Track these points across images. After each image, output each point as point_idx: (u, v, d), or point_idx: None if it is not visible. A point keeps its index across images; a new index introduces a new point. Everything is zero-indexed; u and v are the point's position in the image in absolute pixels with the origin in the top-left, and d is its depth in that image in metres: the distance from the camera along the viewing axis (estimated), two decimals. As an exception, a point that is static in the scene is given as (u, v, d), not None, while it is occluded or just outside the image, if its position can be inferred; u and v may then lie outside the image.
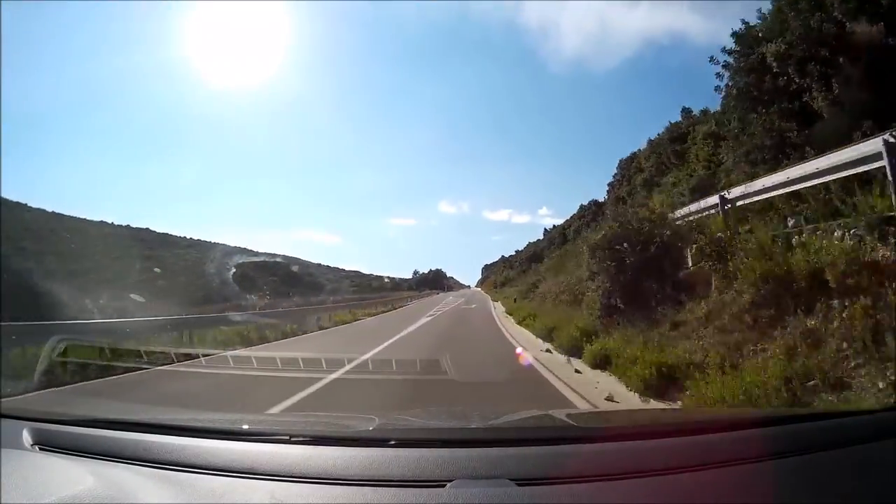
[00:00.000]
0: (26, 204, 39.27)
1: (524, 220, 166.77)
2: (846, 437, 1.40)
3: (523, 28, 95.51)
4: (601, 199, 39.06)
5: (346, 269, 75.35)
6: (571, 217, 44.45)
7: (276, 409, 4.60)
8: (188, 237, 54.63)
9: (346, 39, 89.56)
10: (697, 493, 1.12)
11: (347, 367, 6.41)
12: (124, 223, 50.38)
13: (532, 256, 51.80)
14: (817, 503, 1.13)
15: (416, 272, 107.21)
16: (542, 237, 60.02)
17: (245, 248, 53.11)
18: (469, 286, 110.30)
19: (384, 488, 1.11)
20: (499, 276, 73.18)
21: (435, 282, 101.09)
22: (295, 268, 50.71)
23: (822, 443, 1.35)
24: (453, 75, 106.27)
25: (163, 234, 51.59)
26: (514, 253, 77.70)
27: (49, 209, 42.47)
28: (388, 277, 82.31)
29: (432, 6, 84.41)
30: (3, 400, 4.69)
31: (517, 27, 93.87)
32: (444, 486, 1.10)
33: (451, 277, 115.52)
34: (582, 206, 43.14)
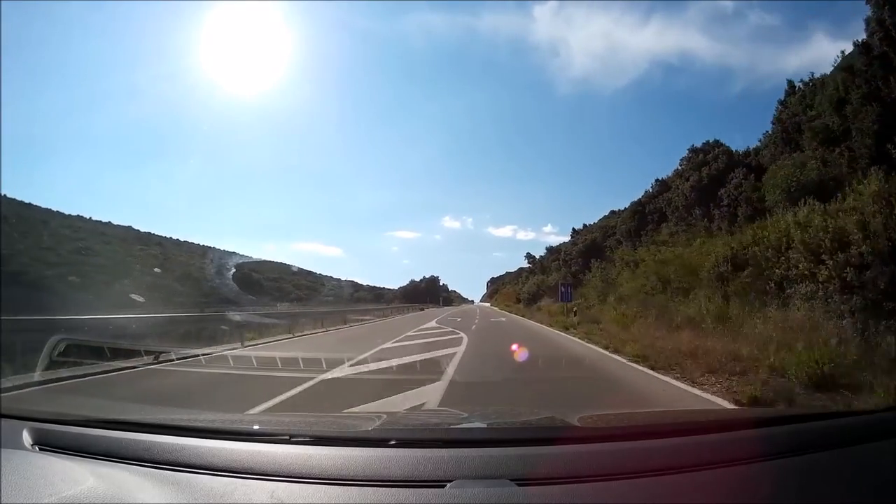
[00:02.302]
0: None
1: (528, 237, 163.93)
2: (846, 437, 1.41)
3: (532, 46, 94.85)
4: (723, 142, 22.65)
5: (342, 278, 70.45)
6: (670, 177, 26.36)
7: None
8: (172, 237, 53.80)
9: (351, 54, 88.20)
10: (697, 493, 1.12)
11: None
12: (105, 220, 49.33)
13: (590, 250, 33.38)
14: (817, 503, 1.13)
15: (411, 281, 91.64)
16: (568, 238, 45.41)
17: (228, 251, 51.86)
18: (473, 301, 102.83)
19: (384, 488, 1.11)
20: (523, 284, 53.44)
21: (429, 293, 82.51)
22: (258, 273, 45.01)
23: (822, 443, 1.35)
24: (460, 92, 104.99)
25: (145, 233, 50.73)
26: (544, 252, 56.02)
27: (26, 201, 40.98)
28: (376, 287, 75.22)
29: (440, 23, 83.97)
30: (3, 400, 4.68)
31: (525, 45, 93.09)
32: (444, 486, 1.10)
33: (454, 291, 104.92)
34: (695, 148, 23.91)
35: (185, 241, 53.95)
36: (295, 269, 62.07)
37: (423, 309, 47.61)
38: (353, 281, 75.51)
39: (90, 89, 68.37)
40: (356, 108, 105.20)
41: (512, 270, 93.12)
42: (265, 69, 76.45)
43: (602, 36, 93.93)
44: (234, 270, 37.87)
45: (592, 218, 45.05)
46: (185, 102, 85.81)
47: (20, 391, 5.53)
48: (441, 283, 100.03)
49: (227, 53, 73.79)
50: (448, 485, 1.10)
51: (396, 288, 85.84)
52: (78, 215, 47.20)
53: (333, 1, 69.74)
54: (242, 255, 49.32)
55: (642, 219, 27.88)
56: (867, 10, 12.71)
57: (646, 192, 29.27)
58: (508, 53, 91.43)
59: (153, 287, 25.31)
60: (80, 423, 1.56)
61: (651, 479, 1.15)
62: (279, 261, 61.40)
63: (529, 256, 60.93)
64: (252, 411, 4.29)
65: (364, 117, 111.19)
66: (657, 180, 28.81)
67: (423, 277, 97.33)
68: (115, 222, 49.76)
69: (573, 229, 46.44)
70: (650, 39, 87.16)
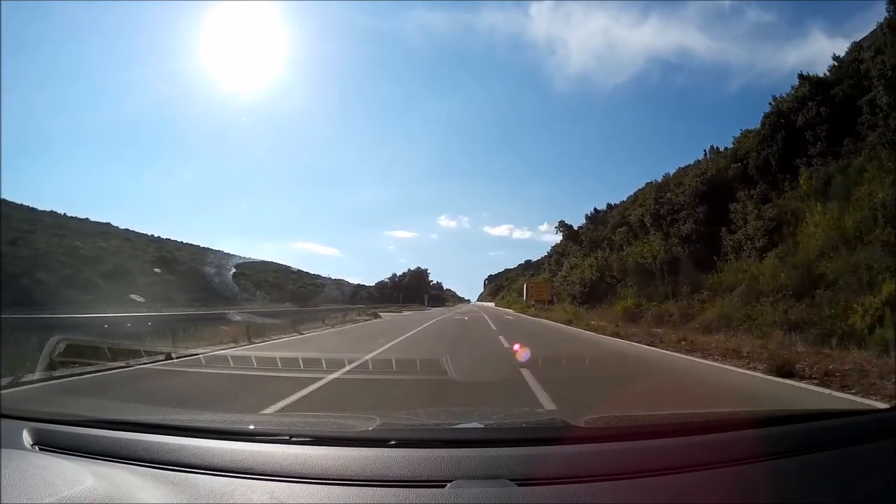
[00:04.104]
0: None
1: (525, 236, 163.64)
2: (846, 437, 1.41)
3: (530, 44, 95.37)
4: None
5: (330, 277, 61.33)
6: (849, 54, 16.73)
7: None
8: (152, 235, 52.21)
9: (349, 52, 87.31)
10: (697, 493, 1.12)
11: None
12: (83, 216, 47.69)
13: (715, 190, 18.29)
14: (817, 503, 1.13)
15: (393, 275, 76.72)
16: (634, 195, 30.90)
17: (201, 247, 50.11)
18: (469, 300, 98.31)
19: (384, 488, 1.11)
20: (553, 273, 37.56)
21: (414, 290, 66.80)
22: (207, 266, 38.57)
23: (822, 443, 1.35)
24: (457, 90, 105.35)
25: (123, 229, 49.40)
26: (584, 222, 36.69)
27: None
28: (361, 285, 64.99)
29: (438, 21, 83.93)
30: (3, 400, 4.68)
31: (523, 43, 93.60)
32: (444, 486, 1.10)
33: (449, 290, 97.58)
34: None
35: (166, 239, 53.03)
36: (286, 269, 58.75)
37: (377, 316, 26.44)
38: (342, 280, 67.84)
39: (84, 87, 68.20)
40: (353, 107, 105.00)
41: (511, 267, 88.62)
42: (261, 67, 75.96)
43: (600, 33, 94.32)
44: (174, 264, 34.04)
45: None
46: (180, 101, 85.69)
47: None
48: (430, 279, 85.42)
49: (223, 51, 72.96)
50: (448, 485, 1.10)
51: (373, 284, 71.31)
52: (51, 211, 46.17)
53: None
54: (210, 250, 47.03)
55: (793, 138, 16.10)
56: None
57: (782, 97, 17.29)
58: (506, 51, 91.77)
59: (66, 281, 23.49)
60: (80, 423, 1.56)
61: (651, 480, 1.15)
62: (264, 259, 57.60)
63: (564, 226, 38.46)
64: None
65: (361, 116, 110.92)
66: (803, 75, 16.84)
67: (408, 270, 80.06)
68: (92, 219, 48.74)
69: (595, 209, 35.42)
70: (648, 37, 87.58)
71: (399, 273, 79.09)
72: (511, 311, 38.73)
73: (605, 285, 22.91)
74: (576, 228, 37.66)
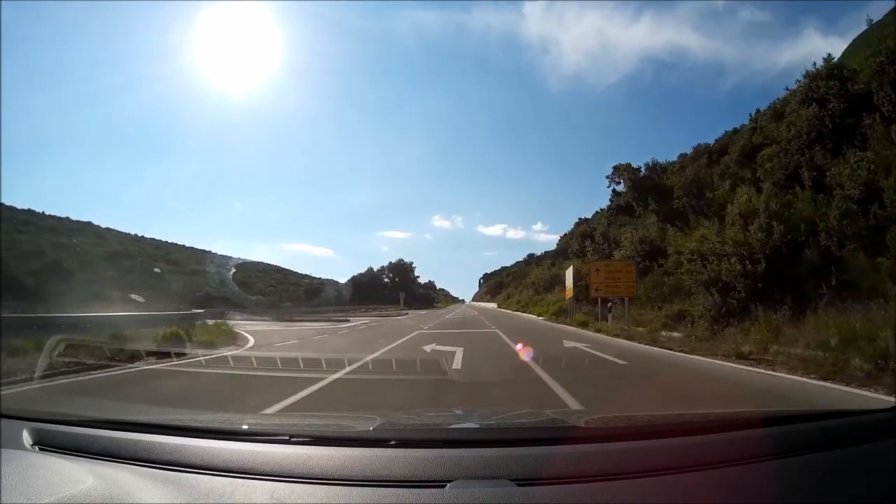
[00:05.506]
0: None
1: (519, 236, 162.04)
2: (846, 437, 1.41)
3: (523, 43, 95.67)
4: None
5: (320, 277, 58.03)
6: None
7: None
8: (134, 234, 52.62)
9: (342, 52, 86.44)
10: (697, 493, 1.12)
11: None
12: (64, 216, 47.68)
13: None
14: (817, 503, 1.13)
15: (368, 269, 65.96)
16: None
17: (183, 246, 49.65)
18: (463, 301, 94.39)
19: (384, 488, 1.11)
20: (601, 254, 23.27)
21: (397, 287, 55.13)
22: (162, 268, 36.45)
23: (822, 443, 1.35)
24: (450, 90, 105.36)
25: (105, 228, 49.88)
26: (642, 171, 24.96)
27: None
28: (331, 281, 57.91)
29: (431, 20, 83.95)
30: (3, 400, 4.69)
31: (517, 42, 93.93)
32: (444, 486, 1.10)
33: (442, 289, 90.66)
34: None
35: (150, 238, 52.99)
36: (273, 269, 57.47)
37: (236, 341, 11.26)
38: (331, 279, 62.09)
39: (78, 89, 67.90)
40: (347, 107, 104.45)
41: (508, 265, 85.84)
42: (254, 69, 75.28)
43: (593, 33, 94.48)
44: (121, 259, 32.65)
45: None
46: (173, 102, 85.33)
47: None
48: (416, 275, 72.13)
49: (215, 53, 72.52)
50: (448, 485, 1.10)
51: (344, 281, 61.52)
52: (27, 209, 45.71)
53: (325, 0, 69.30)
54: (192, 249, 46.27)
55: None
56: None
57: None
58: (499, 51, 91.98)
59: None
60: (80, 423, 1.56)
61: (651, 480, 1.15)
62: (248, 259, 56.32)
63: (629, 170, 25.50)
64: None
65: (355, 117, 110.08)
66: None
67: (388, 263, 67.77)
68: (73, 218, 48.78)
69: (642, 169, 24.41)
70: (642, 36, 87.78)
71: (377, 268, 66.18)
72: (544, 319, 22.44)
73: (817, 256, 9.94)
74: (643, 174, 23.73)
